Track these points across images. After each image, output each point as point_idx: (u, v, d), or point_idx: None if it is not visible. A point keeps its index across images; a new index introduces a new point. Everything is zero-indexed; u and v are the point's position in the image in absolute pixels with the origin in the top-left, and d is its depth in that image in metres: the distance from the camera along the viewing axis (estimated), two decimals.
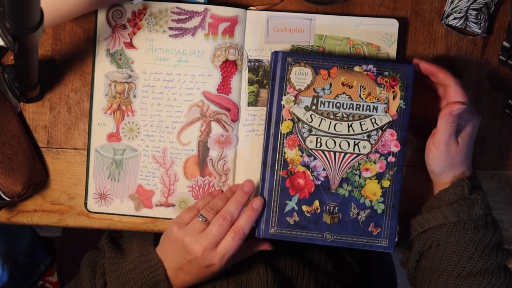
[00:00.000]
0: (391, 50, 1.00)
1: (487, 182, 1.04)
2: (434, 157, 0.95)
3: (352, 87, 0.96)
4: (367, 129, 0.97)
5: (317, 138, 0.96)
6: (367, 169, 0.97)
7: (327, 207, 0.97)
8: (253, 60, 1.01)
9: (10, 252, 1.58)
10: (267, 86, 1.00)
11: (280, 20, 1.00)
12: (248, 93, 1.01)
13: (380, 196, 0.97)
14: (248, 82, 1.01)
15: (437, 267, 0.95)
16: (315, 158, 0.97)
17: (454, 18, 0.99)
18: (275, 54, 0.97)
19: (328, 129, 0.96)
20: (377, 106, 0.96)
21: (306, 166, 0.97)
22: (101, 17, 0.99)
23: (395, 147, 0.97)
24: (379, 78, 0.96)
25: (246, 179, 1.01)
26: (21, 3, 0.67)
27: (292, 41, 1.00)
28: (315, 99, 0.96)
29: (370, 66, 0.96)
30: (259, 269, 0.99)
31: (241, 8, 1.00)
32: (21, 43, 0.72)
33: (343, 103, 0.96)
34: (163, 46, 1.00)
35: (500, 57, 0.95)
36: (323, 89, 0.96)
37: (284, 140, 0.96)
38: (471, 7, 0.98)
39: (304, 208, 0.97)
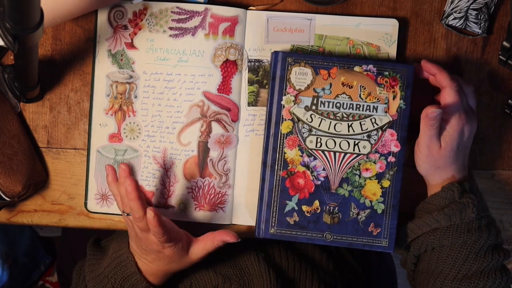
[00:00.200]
0: (391, 50, 1.00)
1: (487, 182, 1.04)
2: (418, 159, 0.95)
3: (352, 87, 0.96)
4: (367, 129, 0.97)
5: (317, 138, 0.96)
6: (367, 169, 0.97)
7: (327, 207, 0.97)
8: (253, 60, 1.01)
9: (10, 252, 1.58)
10: (267, 86, 1.00)
11: (280, 20, 1.00)
12: (248, 93, 1.01)
13: (380, 196, 0.97)
14: (248, 82, 1.01)
15: (433, 270, 0.95)
16: (315, 158, 0.97)
17: (454, 18, 0.99)
18: (275, 54, 0.97)
19: (328, 129, 0.97)
20: (377, 106, 0.96)
21: (306, 166, 0.97)
22: (103, 17, 0.99)
23: (395, 147, 0.97)
24: (379, 78, 0.96)
25: (246, 179, 1.01)
26: (21, 3, 0.67)
27: (292, 41, 1.00)
28: (315, 99, 0.96)
29: (370, 66, 0.96)
30: (261, 270, 0.99)
31: (241, 8, 1.00)
32: (21, 43, 0.72)
33: (343, 103, 0.96)
34: (163, 46, 1.00)
35: (500, 57, 0.95)
36: (323, 89, 0.96)
37: (284, 140, 0.96)
38: (471, 7, 0.98)
39: (304, 208, 0.97)
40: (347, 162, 0.97)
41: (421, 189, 0.99)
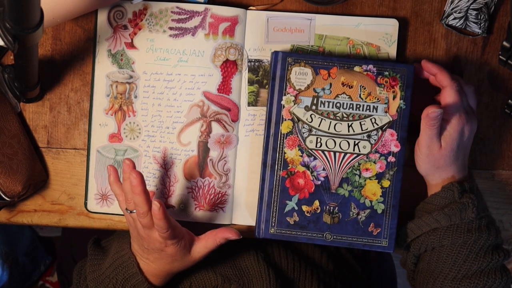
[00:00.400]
0: (391, 50, 1.00)
1: (487, 182, 1.04)
2: (418, 159, 0.95)
3: (352, 87, 0.96)
4: (367, 129, 0.97)
5: (317, 138, 0.96)
6: (367, 169, 0.97)
7: (327, 207, 0.97)
8: (253, 60, 1.01)
9: (10, 252, 1.58)
10: (267, 86, 1.00)
11: (280, 20, 1.00)
12: (248, 93, 1.01)
13: (380, 196, 0.97)
14: (248, 82, 1.01)
15: (433, 270, 0.95)
16: (315, 158, 0.97)
17: (454, 18, 0.99)
18: (275, 54, 0.97)
19: (328, 129, 0.97)
20: (377, 106, 0.96)
21: (306, 166, 0.97)
22: (103, 17, 0.99)
23: (395, 147, 0.97)
24: (379, 78, 0.96)
25: (246, 179, 1.01)
26: (21, 3, 0.67)
27: (292, 41, 1.00)
28: (315, 99, 0.96)
29: (370, 66, 0.96)
30: (261, 270, 0.99)
31: (241, 8, 1.00)
32: (21, 43, 0.72)
33: (343, 103, 0.96)
34: (163, 46, 1.00)
35: (500, 57, 0.95)
36: (323, 89, 0.96)
37: (284, 140, 0.96)
38: (471, 7, 0.98)
39: (304, 208, 0.97)
40: (347, 162, 0.97)
41: (421, 189, 0.99)
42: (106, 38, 1.00)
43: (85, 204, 1.02)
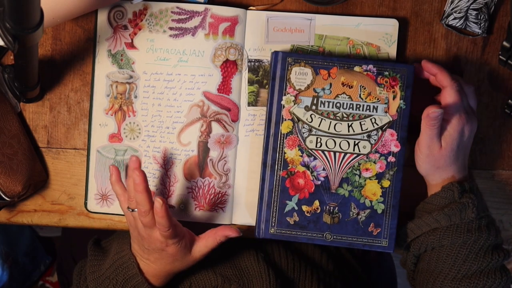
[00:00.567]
0: (391, 50, 1.00)
1: (487, 182, 1.04)
2: (419, 159, 0.95)
3: (352, 87, 0.96)
4: (367, 129, 0.97)
5: (317, 138, 0.96)
6: (367, 169, 0.97)
7: (327, 207, 0.97)
8: (253, 60, 1.01)
9: (10, 252, 1.58)
10: (267, 86, 1.00)
11: (280, 20, 1.00)
12: (248, 93, 1.01)
13: (380, 196, 0.97)
14: (248, 82, 1.01)
15: (433, 270, 0.95)
16: (315, 158, 0.97)
17: (454, 18, 0.99)
18: (275, 54, 0.97)
19: (328, 129, 0.97)
20: (377, 106, 0.96)
21: (306, 166, 0.97)
22: (103, 17, 0.99)
23: (395, 147, 0.97)
24: (379, 78, 0.96)
25: (246, 179, 1.01)
26: (21, 3, 0.67)
27: (292, 41, 1.00)
28: (315, 99, 0.96)
29: (370, 66, 0.96)
30: (261, 270, 0.99)
31: (241, 8, 1.00)
32: (21, 43, 0.72)
33: (343, 103, 0.96)
34: (163, 46, 1.00)
35: (500, 57, 0.95)
36: (323, 89, 0.96)
37: (284, 140, 0.96)
38: (471, 7, 0.98)
39: (304, 208, 0.97)
40: (347, 162, 0.97)
41: (421, 189, 0.99)
42: (106, 38, 1.00)
43: (85, 204, 1.02)
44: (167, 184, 1.01)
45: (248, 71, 1.01)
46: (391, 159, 0.97)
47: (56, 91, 1.02)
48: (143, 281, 0.94)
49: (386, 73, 0.96)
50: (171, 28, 1.00)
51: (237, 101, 1.01)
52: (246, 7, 1.00)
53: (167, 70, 1.00)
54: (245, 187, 1.01)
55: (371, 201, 0.97)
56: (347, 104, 0.96)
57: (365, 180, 0.97)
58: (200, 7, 0.99)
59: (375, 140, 0.97)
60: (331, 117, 0.96)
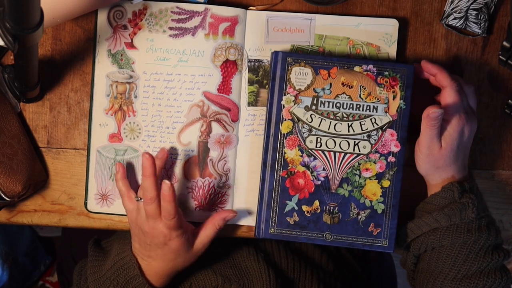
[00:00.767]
0: (391, 50, 1.00)
1: (487, 182, 1.04)
2: (419, 159, 0.95)
3: (352, 87, 0.96)
4: (367, 129, 0.97)
5: (317, 138, 0.97)
6: (367, 169, 0.97)
7: (327, 207, 0.97)
8: (253, 60, 1.01)
9: (10, 252, 1.58)
10: (267, 86, 1.00)
11: (280, 20, 1.00)
12: (248, 93, 1.01)
13: (380, 196, 0.97)
14: (248, 82, 1.01)
15: (433, 270, 0.95)
16: (315, 158, 0.97)
17: (454, 18, 0.99)
18: (275, 54, 0.97)
19: (328, 129, 0.97)
20: (377, 106, 0.97)
21: (306, 166, 0.97)
22: (102, 17, 0.99)
23: (395, 147, 0.97)
24: (379, 78, 0.96)
25: (246, 179, 1.01)
26: (21, 3, 0.67)
27: (292, 41, 1.00)
28: (315, 99, 0.96)
29: (370, 66, 0.96)
30: (261, 270, 0.99)
31: (241, 8, 1.00)
32: (21, 43, 0.72)
33: (343, 103, 0.96)
34: (163, 46, 1.00)
35: (500, 57, 0.95)
36: (323, 89, 0.96)
37: (284, 140, 0.96)
38: (471, 7, 0.98)
39: (304, 208, 0.97)
40: (347, 162, 0.97)
41: (421, 189, 0.99)
42: (106, 38, 1.00)
43: (85, 204, 1.02)
44: None
45: (248, 71, 1.01)
46: (391, 159, 0.97)
47: (56, 91, 1.02)
48: (144, 282, 0.94)
49: (386, 73, 0.96)
50: (171, 28, 1.00)
51: (237, 101, 1.01)
52: (246, 7, 1.00)
53: (167, 70, 1.00)
54: (245, 187, 1.01)
55: (371, 201, 0.97)
56: (347, 104, 0.96)
57: (365, 180, 0.97)
58: (200, 7, 0.99)
59: (375, 140, 0.97)
60: (331, 117, 0.96)
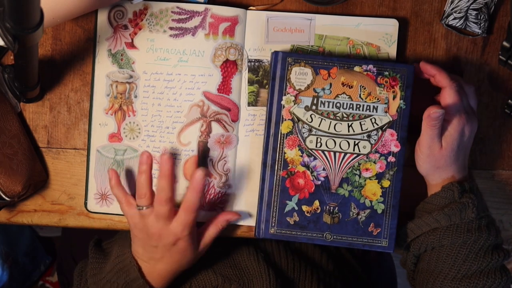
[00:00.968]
0: (391, 50, 1.00)
1: (487, 182, 1.04)
2: (419, 159, 0.95)
3: (352, 87, 0.96)
4: (367, 129, 0.97)
5: (317, 138, 0.97)
6: (367, 169, 0.97)
7: (327, 207, 0.97)
8: (253, 60, 1.01)
9: (10, 252, 1.58)
10: (267, 86, 1.00)
11: (280, 20, 1.00)
12: (248, 93, 1.01)
13: (380, 196, 0.97)
14: (248, 82, 1.01)
15: (433, 270, 0.95)
16: (315, 158, 0.97)
17: (454, 18, 0.99)
18: (275, 54, 0.97)
19: (328, 129, 0.97)
20: (377, 106, 0.97)
21: (306, 166, 0.97)
22: (103, 17, 0.99)
23: (395, 147, 0.97)
24: (379, 78, 0.96)
25: (246, 179, 1.01)
26: (21, 3, 0.67)
27: (292, 41, 1.00)
28: (315, 99, 0.96)
29: (370, 66, 0.96)
30: (261, 270, 0.99)
31: (241, 8, 1.00)
32: (21, 43, 0.72)
33: (343, 103, 0.96)
34: (164, 46, 1.00)
35: (500, 57, 0.95)
36: (323, 89, 0.96)
37: (284, 140, 0.96)
38: (471, 7, 0.98)
39: (304, 208, 0.97)
40: (347, 162, 0.97)
41: (421, 189, 0.99)
42: (106, 38, 1.00)
43: (85, 204, 1.02)
44: None
45: (248, 71, 1.01)
46: (391, 159, 0.97)
47: (56, 91, 1.02)
48: (144, 284, 0.94)
49: (386, 73, 0.96)
50: (171, 28, 1.00)
51: (237, 101, 1.01)
52: (246, 7, 1.00)
53: (167, 70, 1.00)
54: (245, 187, 1.01)
55: (371, 201, 0.97)
56: (347, 104, 0.96)
57: (365, 180, 0.97)
58: (200, 7, 0.99)
59: (375, 140, 0.97)
60: (331, 117, 0.96)
